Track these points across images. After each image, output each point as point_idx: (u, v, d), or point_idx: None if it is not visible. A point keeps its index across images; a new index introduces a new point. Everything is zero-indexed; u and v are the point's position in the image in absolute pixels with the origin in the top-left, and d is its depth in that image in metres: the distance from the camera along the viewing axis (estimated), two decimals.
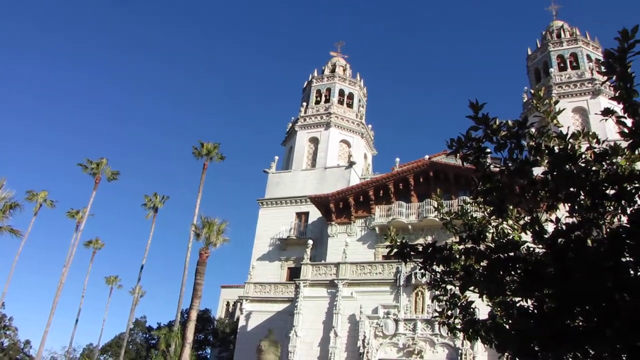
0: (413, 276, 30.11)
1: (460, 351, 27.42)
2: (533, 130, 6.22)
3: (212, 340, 55.37)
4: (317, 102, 53.96)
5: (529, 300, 7.76)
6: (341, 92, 54.37)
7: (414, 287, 30.20)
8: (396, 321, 29.65)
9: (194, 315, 33.05)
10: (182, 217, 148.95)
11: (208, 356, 57.77)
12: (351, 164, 47.17)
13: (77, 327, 78.64)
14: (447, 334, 26.82)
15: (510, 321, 7.98)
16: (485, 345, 24.67)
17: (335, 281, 32.25)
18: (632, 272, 6.44)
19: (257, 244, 46.14)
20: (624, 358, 6.70)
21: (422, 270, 7.25)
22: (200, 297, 33.52)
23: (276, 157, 51.28)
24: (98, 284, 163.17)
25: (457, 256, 7.14)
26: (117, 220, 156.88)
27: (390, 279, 31.18)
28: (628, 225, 6.06)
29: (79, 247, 57.55)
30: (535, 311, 7.64)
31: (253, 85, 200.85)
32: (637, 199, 6.11)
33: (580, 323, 7.10)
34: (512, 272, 7.01)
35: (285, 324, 33.14)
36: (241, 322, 39.40)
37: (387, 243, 7.43)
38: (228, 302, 60.34)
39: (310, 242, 36.38)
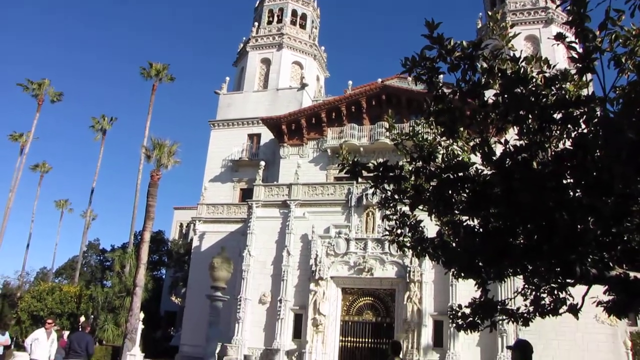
0: (364, 197, 30.73)
1: (408, 268, 28.57)
2: (487, 52, 6.23)
3: (166, 261, 55.87)
4: (269, 23, 52.30)
5: (475, 220, 8.06)
6: (294, 13, 52.75)
7: (365, 207, 30.90)
8: (347, 240, 30.48)
9: (147, 236, 33.06)
10: (132, 140, 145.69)
11: (163, 276, 58.45)
12: (303, 85, 46.59)
13: (28, 252, 77.90)
14: (397, 251, 27.81)
15: (457, 239, 8.29)
16: (433, 262, 25.76)
17: (288, 202, 32.64)
18: (571, 193, 6.74)
19: (209, 166, 45.84)
20: (557, 271, 7.13)
21: (373, 190, 7.38)
22: (152, 219, 33.41)
23: (227, 78, 50.06)
24: (48, 208, 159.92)
25: (408, 176, 7.27)
26: (64, 144, 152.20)
27: (341, 200, 31.75)
28: (571, 148, 6.27)
29: (25, 172, 56.03)
30: (481, 230, 7.96)
31: (203, 4, 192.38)
32: (582, 123, 6.30)
33: (522, 241, 7.46)
34: (461, 192, 7.22)
35: (239, 244, 33.64)
36: (195, 243, 39.78)
37: (339, 163, 7.49)
38: (181, 224, 60.52)
39: (263, 163, 36.40)
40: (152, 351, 36.29)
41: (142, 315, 31.19)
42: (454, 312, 9.63)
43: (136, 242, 40.12)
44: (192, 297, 38.19)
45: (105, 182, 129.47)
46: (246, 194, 40.80)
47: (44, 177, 65.14)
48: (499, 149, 7.03)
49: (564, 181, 6.60)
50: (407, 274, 28.51)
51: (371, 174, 7.39)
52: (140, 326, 30.91)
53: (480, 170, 7.22)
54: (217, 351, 30.49)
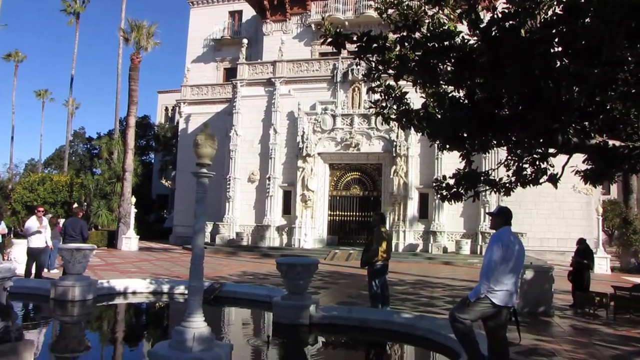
0: (350, 72, 30.23)
1: (395, 143, 28.83)
2: None
3: (154, 146, 55.75)
4: None
5: (461, 91, 8.00)
6: None
7: (351, 83, 30.50)
8: (334, 116, 30.42)
9: (132, 121, 32.74)
10: (108, 24, 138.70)
11: (152, 161, 58.72)
12: None
13: (14, 145, 77.10)
14: (382, 125, 27.86)
15: (442, 111, 8.27)
16: (419, 136, 25.93)
17: (273, 79, 32.10)
18: (558, 61, 6.64)
19: (190, 47, 44.44)
20: (540, 141, 7.21)
21: (357, 62, 7.22)
22: (136, 103, 32.89)
23: None
24: (29, 100, 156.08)
25: (392, 46, 7.08)
26: (36, 31, 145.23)
27: (327, 76, 31.26)
28: (561, 14, 6.07)
29: None
30: (466, 101, 7.92)
31: None
32: None
33: (507, 111, 7.45)
34: (446, 62, 7.09)
35: (225, 124, 33.50)
36: (181, 126, 39.55)
37: (321, 35, 7.25)
38: (167, 107, 59.74)
39: (245, 41, 35.27)
40: (147, 233, 37.28)
41: (133, 200, 31.70)
42: (438, 184, 9.84)
43: (122, 128, 39.66)
44: (181, 179, 38.65)
45: (85, 70, 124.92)
46: (230, 74, 39.93)
47: (20, 68, 62.90)
48: (487, 18, 6.80)
49: (552, 49, 6.48)
50: (394, 149, 28.83)
51: (355, 45, 7.20)
52: (133, 210, 31.52)
53: (466, 40, 7.04)
54: (209, 229, 31.60)
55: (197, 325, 5.60)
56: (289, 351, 8.03)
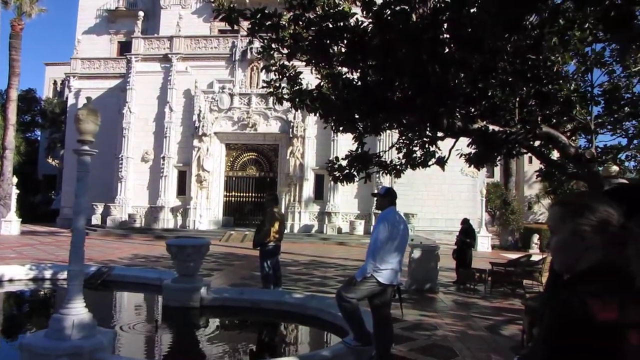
0: (249, 51, 29.78)
1: (292, 124, 28.89)
2: None
3: (41, 122, 52.09)
4: None
5: (355, 73, 8.08)
6: None
7: (250, 62, 30.12)
8: (231, 95, 29.93)
9: (14, 94, 30.37)
10: None
11: (38, 138, 54.83)
12: None
13: None
14: (276, 104, 27.70)
15: (336, 92, 8.32)
16: (316, 118, 26.08)
17: (170, 56, 30.99)
18: (446, 48, 6.86)
19: (82, 17, 41.68)
20: (427, 125, 7.45)
21: (250, 39, 7.06)
22: (18, 74, 30.52)
23: None
24: None
25: (286, 24, 6.99)
26: None
27: (225, 54, 30.64)
28: (449, 1, 6.26)
29: None
30: (360, 83, 8.01)
31: None
32: None
33: (398, 95, 7.62)
34: (340, 42, 7.11)
35: (119, 101, 31.98)
36: (70, 101, 37.07)
37: (214, 9, 7.01)
38: (55, 81, 55.84)
39: (141, 14, 33.69)
40: (31, 216, 34.86)
41: (15, 180, 29.35)
42: (331, 165, 9.95)
43: (2, 102, 36.70)
44: (70, 159, 36.26)
45: None
46: (125, 48, 37.93)
47: None
48: (380, 0, 6.87)
49: (441, 36, 6.68)
50: (291, 129, 28.90)
51: (249, 21, 7.03)
52: (15, 191, 29.23)
53: (361, 22, 7.09)
54: (100, 211, 30.12)
55: (77, 311, 5.26)
56: (178, 334, 7.83)
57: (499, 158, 10.14)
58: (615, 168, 11.76)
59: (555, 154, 9.90)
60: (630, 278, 1.44)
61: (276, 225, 9.47)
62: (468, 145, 9.20)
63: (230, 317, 8.92)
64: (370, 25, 6.90)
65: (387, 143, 24.60)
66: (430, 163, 10.29)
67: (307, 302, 8.62)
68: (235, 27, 7.28)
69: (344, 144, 24.19)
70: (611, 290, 1.41)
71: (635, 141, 11.73)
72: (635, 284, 1.43)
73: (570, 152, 8.45)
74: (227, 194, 31.07)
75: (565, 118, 10.08)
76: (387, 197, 5.86)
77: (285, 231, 27.20)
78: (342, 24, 6.96)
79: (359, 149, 9.82)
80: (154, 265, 14.97)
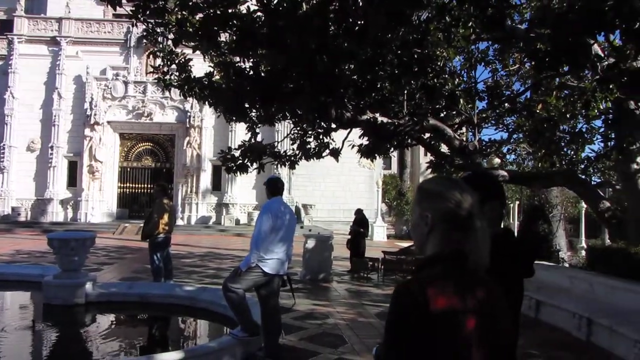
0: (145, 37, 28.68)
1: (189, 114, 28.21)
2: None
3: None
4: None
5: (248, 63, 7.96)
6: None
7: (146, 49, 28.93)
8: (126, 83, 28.70)
9: None
10: None
11: None
12: None
13: None
14: (172, 93, 26.80)
15: (227, 80, 8.17)
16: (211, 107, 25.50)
17: (58, 38, 29.15)
18: (334, 38, 6.92)
19: None
20: (316, 115, 7.50)
21: (134, 22, 6.75)
22: None
23: None
24: None
25: (173, 8, 6.75)
26: None
27: (120, 39, 29.31)
28: None
29: None
30: (251, 72, 7.90)
31: None
32: None
33: (289, 85, 7.60)
34: (228, 30, 6.97)
35: None
36: None
37: None
38: None
39: None
40: None
41: None
42: (224, 155, 9.80)
43: None
44: None
45: None
46: (5, 27, 35.25)
47: None
48: None
49: (330, 26, 6.72)
50: (188, 119, 28.23)
51: (132, 4, 6.72)
52: None
53: (251, 9, 6.98)
54: None
55: None
56: (58, 334, 7.36)
57: (390, 149, 10.43)
58: (497, 160, 12.51)
59: (445, 146, 10.32)
60: (471, 264, 1.47)
61: (165, 216, 9.17)
62: (360, 137, 9.39)
63: (117, 313, 8.51)
64: (260, 13, 6.81)
65: (284, 134, 24.65)
66: (324, 154, 10.39)
67: (198, 294, 8.43)
68: (119, 10, 6.94)
69: (242, 134, 23.95)
70: (451, 276, 1.42)
71: (514, 135, 12.51)
72: (474, 270, 1.46)
73: (455, 144, 8.85)
74: (122, 185, 29.83)
75: (453, 112, 10.55)
76: (271, 187, 5.82)
77: (182, 223, 26.63)
78: (231, 10, 6.83)
79: (252, 140, 9.74)
80: (38, 261, 14.04)
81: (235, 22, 6.76)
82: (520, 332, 1.82)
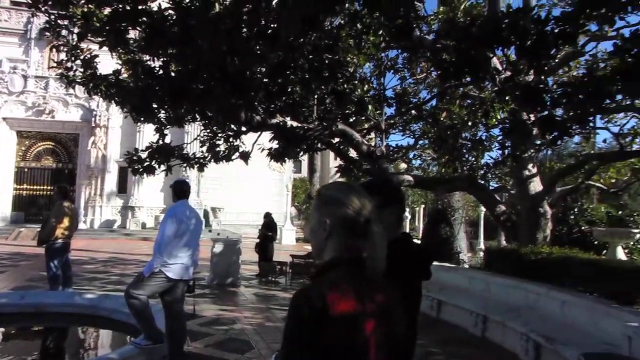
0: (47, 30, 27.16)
1: (95, 112, 27.02)
2: None
3: None
4: None
5: (158, 62, 7.74)
6: None
7: (49, 41, 27.38)
8: (25, 77, 26.99)
9: None
10: None
11: None
12: None
13: None
14: (76, 90, 25.53)
15: (135, 79, 7.91)
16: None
17: None
18: (246, 40, 6.87)
19: None
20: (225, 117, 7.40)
21: (34, 12, 6.38)
22: None
23: None
24: None
25: (78, 0, 6.44)
26: None
27: (19, 30, 27.51)
28: None
29: None
30: (161, 71, 7.69)
31: None
32: None
33: (200, 86, 7.46)
34: (138, 27, 6.74)
35: None
36: None
37: None
38: None
39: None
40: None
41: None
42: (130, 156, 9.47)
43: None
44: None
45: None
46: None
47: None
48: None
49: (242, 28, 6.66)
50: (93, 118, 27.00)
51: None
52: None
53: (162, 7, 6.80)
54: None
55: None
56: None
57: (300, 153, 10.49)
58: (403, 165, 12.91)
59: (354, 151, 10.52)
60: (368, 269, 1.49)
61: (66, 220, 8.67)
62: (270, 140, 9.38)
63: (8, 326, 7.96)
64: (171, 11, 6.65)
65: (193, 136, 24.19)
66: (234, 157, 10.29)
67: (100, 302, 8.06)
68: None
69: (151, 135, 23.26)
70: (350, 281, 1.43)
71: (420, 142, 12.99)
72: (372, 274, 1.48)
73: (363, 149, 9.05)
74: (18, 186, 28.00)
75: (362, 117, 10.78)
76: (176, 191, 5.68)
77: (85, 227, 25.42)
78: (141, 7, 6.61)
79: (160, 141, 9.49)
80: None
81: (145, 18, 6.54)
82: (422, 332, 1.87)
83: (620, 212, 12.79)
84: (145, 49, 7.18)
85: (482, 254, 14.36)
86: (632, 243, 11.09)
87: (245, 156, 10.02)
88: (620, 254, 9.81)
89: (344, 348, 1.36)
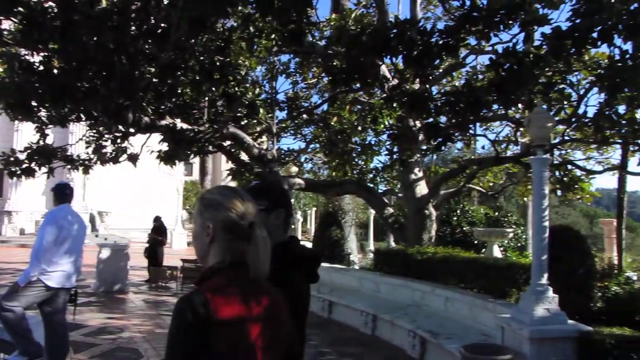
0: None
1: None
2: None
3: None
4: None
5: (37, 57, 7.27)
6: None
7: None
8: None
9: None
10: None
11: None
12: None
13: None
14: None
15: (10, 74, 7.40)
16: None
17: None
18: (136, 44, 6.63)
19: None
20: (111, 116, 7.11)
21: None
22: None
23: None
24: None
25: None
26: None
27: None
28: None
29: None
30: (41, 67, 7.23)
31: None
32: None
33: (84, 84, 7.10)
34: (13, 18, 6.30)
35: None
36: None
37: None
38: None
39: None
40: None
41: None
42: (6, 158, 8.85)
43: None
44: None
45: None
46: None
47: None
48: None
49: (131, 27, 6.42)
50: None
51: None
52: None
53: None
54: None
55: None
56: None
57: (191, 156, 10.29)
58: (295, 169, 13.05)
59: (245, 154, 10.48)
60: (252, 273, 1.47)
61: None
62: (159, 142, 9.12)
63: None
64: (51, 2, 6.29)
65: (79, 136, 22.96)
66: (121, 159, 9.92)
67: None
68: None
69: (31, 135, 21.77)
70: (234, 285, 1.43)
71: (311, 145, 13.20)
72: (256, 278, 1.48)
73: (254, 152, 9.04)
74: None
75: (253, 121, 10.78)
76: (57, 194, 5.35)
77: None
78: None
79: (41, 141, 8.94)
80: None
81: (21, 9, 6.12)
82: (313, 333, 1.90)
83: (496, 213, 13.79)
84: (22, 43, 6.72)
85: (371, 255, 14.82)
86: (506, 241, 11.98)
87: (133, 158, 9.67)
88: (497, 252, 10.55)
89: (230, 353, 1.35)
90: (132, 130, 8.58)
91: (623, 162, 9.32)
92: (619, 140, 8.44)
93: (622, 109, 7.21)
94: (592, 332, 5.35)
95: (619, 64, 6.16)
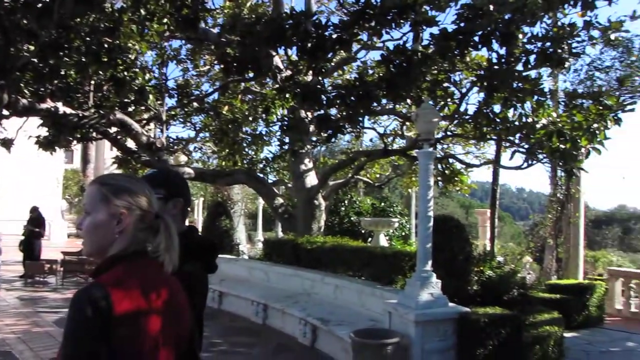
0: None
1: None
2: None
3: None
4: None
5: None
6: None
7: None
8: None
9: None
10: None
11: None
12: None
13: None
14: None
15: None
16: None
17: None
18: (12, 18, 6.13)
19: None
20: None
21: None
22: None
23: None
24: None
25: None
26: None
27: None
28: None
29: None
30: None
31: None
32: None
33: None
34: None
35: None
36: None
37: None
38: None
39: None
40: None
41: None
42: None
43: None
44: None
45: None
46: None
47: None
48: None
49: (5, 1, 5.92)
50: None
51: None
52: None
53: None
54: None
55: None
56: None
57: (73, 142, 9.71)
58: (184, 157, 12.73)
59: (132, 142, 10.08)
60: (157, 263, 1.43)
61: None
62: (38, 127, 8.52)
63: None
64: None
65: None
66: None
67: None
68: None
69: None
70: (135, 276, 1.37)
71: (201, 134, 12.96)
72: (167, 267, 1.44)
73: (142, 140, 8.71)
74: None
75: (142, 107, 10.37)
76: None
77: None
78: None
79: None
80: None
81: None
82: (204, 324, 1.88)
83: (382, 204, 14.33)
84: None
85: (260, 245, 14.85)
86: (392, 231, 12.51)
87: (7, 144, 8.95)
88: (383, 240, 10.99)
89: (131, 346, 1.29)
90: (6, 112, 7.93)
91: (497, 157, 10.09)
92: (494, 137, 9.10)
93: (497, 108, 7.80)
94: (470, 312, 5.79)
95: (496, 67, 6.65)
